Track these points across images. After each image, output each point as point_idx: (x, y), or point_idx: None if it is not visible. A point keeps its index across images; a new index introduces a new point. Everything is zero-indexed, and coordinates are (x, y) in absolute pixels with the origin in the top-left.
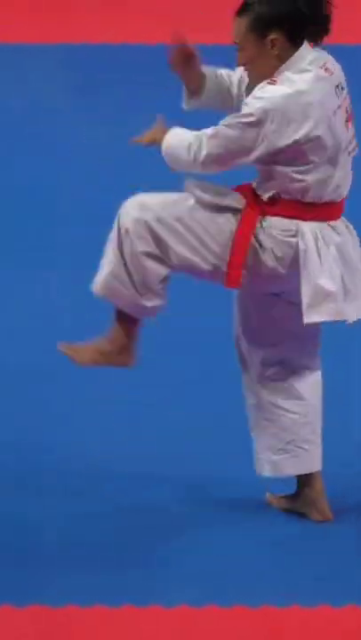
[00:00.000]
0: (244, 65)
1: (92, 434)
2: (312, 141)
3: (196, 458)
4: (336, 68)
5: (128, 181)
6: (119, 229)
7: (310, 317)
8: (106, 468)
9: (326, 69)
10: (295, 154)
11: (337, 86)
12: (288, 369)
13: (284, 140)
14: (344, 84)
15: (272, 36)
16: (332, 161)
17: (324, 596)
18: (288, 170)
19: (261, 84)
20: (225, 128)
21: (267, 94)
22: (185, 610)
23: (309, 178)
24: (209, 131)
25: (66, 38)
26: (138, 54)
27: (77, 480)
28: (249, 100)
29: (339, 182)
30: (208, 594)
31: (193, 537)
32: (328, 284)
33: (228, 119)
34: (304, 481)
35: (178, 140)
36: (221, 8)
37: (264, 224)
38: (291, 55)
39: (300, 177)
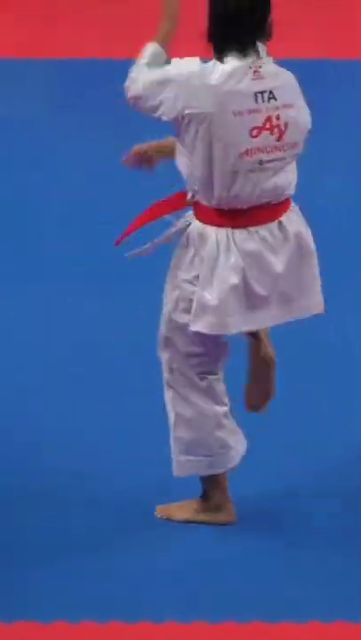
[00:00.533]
0: None
1: (77, 444)
2: (196, 121)
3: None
4: (274, 77)
5: (114, 196)
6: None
7: (193, 326)
8: (94, 483)
9: (256, 72)
10: (180, 129)
11: (261, 92)
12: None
13: (173, 112)
14: (279, 96)
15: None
16: (222, 162)
17: (315, 611)
18: (189, 163)
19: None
20: (141, 79)
21: (178, 64)
22: (174, 626)
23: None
24: (132, 74)
25: (49, 53)
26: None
27: (65, 493)
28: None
29: (238, 192)
30: (197, 610)
31: (183, 552)
32: (210, 297)
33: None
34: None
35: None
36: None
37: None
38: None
39: (198, 173)
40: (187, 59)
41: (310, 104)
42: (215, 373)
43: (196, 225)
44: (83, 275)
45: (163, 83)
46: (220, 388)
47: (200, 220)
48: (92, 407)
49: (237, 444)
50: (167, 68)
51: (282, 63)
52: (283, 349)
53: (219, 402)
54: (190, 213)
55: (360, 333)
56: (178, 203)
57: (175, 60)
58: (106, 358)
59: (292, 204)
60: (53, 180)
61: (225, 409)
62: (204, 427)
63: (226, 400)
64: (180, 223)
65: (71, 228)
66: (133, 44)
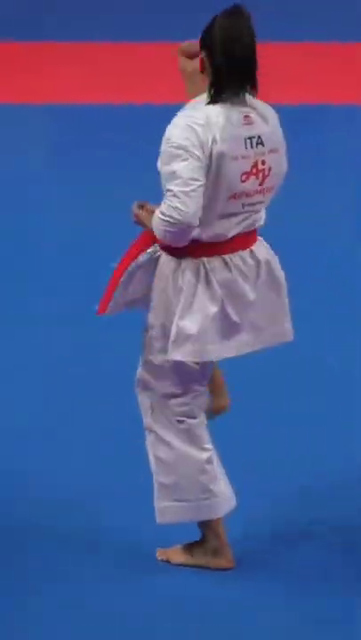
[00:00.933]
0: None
1: (75, 485)
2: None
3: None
4: (262, 123)
5: (105, 249)
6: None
7: (172, 355)
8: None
9: (246, 117)
10: None
11: (250, 138)
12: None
13: (203, 169)
14: (268, 142)
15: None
16: (211, 203)
17: None
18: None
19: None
20: (173, 179)
21: (170, 134)
22: None
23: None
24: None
25: (40, 99)
26: (112, 115)
27: (63, 532)
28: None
29: (218, 231)
30: None
31: (181, 596)
32: (190, 325)
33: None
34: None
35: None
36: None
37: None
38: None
39: None
40: (179, 125)
41: (310, 147)
42: (195, 417)
43: (169, 258)
44: (72, 319)
45: (189, 169)
46: (202, 432)
47: (173, 254)
48: (86, 447)
49: (222, 492)
50: (179, 153)
51: (283, 108)
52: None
53: (200, 446)
54: (155, 247)
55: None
56: (146, 243)
57: (174, 139)
58: (97, 401)
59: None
60: (44, 226)
61: (208, 454)
62: (185, 471)
63: (209, 446)
64: (145, 259)
65: (61, 282)
66: (134, 91)
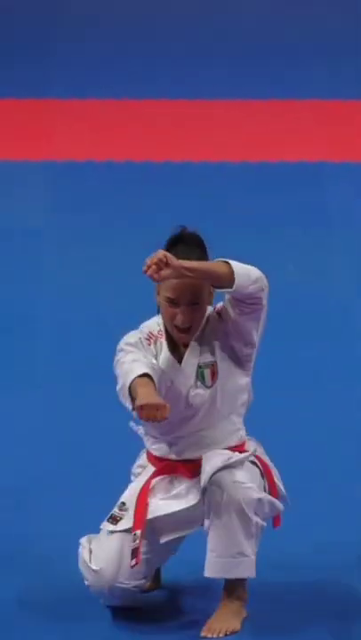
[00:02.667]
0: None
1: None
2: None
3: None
4: None
5: (110, 301)
6: None
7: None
8: None
9: None
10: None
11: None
12: None
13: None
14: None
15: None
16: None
17: None
18: None
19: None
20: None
21: None
22: None
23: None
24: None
25: (48, 155)
26: (122, 171)
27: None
28: None
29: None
30: None
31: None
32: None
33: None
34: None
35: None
36: (196, 125)
37: None
38: None
39: None
40: None
41: (312, 201)
42: None
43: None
44: (78, 381)
45: None
46: None
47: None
48: (91, 516)
49: None
50: None
51: (283, 165)
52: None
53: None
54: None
55: None
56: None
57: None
58: (103, 462)
59: None
60: (48, 286)
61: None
62: None
63: None
64: None
65: (67, 335)
66: (133, 146)
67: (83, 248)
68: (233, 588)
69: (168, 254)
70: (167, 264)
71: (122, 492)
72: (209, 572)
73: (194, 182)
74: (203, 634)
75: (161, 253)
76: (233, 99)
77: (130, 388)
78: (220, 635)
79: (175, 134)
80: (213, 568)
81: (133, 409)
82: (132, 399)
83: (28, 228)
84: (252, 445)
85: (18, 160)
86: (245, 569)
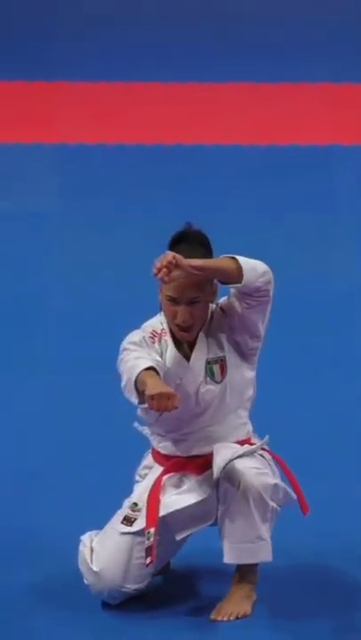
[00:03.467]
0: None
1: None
2: None
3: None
4: None
5: (116, 287)
6: None
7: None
8: None
9: None
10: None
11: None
12: None
13: None
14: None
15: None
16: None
17: None
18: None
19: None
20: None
21: None
22: None
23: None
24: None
25: (58, 139)
26: (133, 154)
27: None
28: None
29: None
30: None
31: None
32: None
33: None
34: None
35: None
36: (205, 108)
37: None
38: None
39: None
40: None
41: (321, 186)
42: None
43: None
44: (85, 366)
45: None
46: None
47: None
48: (94, 504)
49: None
50: None
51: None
52: None
53: None
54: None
55: None
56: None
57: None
58: (107, 451)
59: None
60: (56, 273)
61: None
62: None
63: None
64: None
65: (72, 322)
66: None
67: (92, 232)
68: (245, 571)
69: (177, 255)
70: (177, 265)
71: (125, 481)
72: (228, 558)
73: (204, 165)
74: (213, 617)
75: (170, 255)
76: (242, 82)
77: (136, 381)
78: (231, 618)
79: (185, 117)
80: (233, 554)
81: (140, 402)
82: (139, 393)
83: (37, 212)
84: (257, 441)
85: (28, 143)
86: (264, 553)
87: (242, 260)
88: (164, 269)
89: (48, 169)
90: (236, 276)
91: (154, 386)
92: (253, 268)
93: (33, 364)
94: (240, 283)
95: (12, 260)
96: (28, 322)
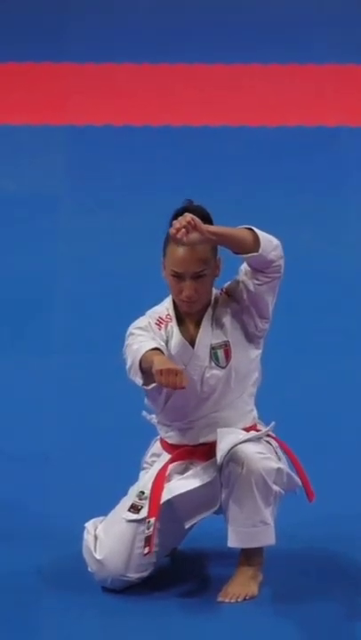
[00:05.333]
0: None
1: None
2: None
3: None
4: None
5: (125, 268)
6: None
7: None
8: None
9: None
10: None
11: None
12: None
13: None
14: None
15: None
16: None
17: None
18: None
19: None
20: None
21: None
22: None
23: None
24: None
25: (66, 120)
26: (140, 135)
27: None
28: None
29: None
30: None
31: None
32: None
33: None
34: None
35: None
36: (214, 89)
37: None
38: None
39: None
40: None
41: (330, 166)
42: None
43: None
44: (95, 348)
45: None
46: None
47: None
48: (104, 484)
49: None
50: None
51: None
52: None
53: None
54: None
55: None
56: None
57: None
58: (116, 433)
59: None
60: (65, 254)
61: None
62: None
63: None
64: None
65: (82, 303)
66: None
67: (100, 213)
68: (250, 553)
69: (196, 218)
70: (195, 227)
71: (134, 462)
72: (232, 542)
73: (211, 147)
74: (220, 598)
75: (189, 217)
76: (251, 63)
77: (141, 362)
78: (239, 599)
79: (193, 99)
80: (236, 538)
81: (145, 384)
82: (143, 374)
83: (46, 193)
84: (263, 428)
85: (37, 124)
86: (267, 537)
87: (257, 230)
88: (183, 230)
89: (56, 150)
90: (251, 244)
91: (161, 362)
92: (268, 239)
93: (42, 346)
94: (256, 251)
95: (21, 242)
96: (38, 303)
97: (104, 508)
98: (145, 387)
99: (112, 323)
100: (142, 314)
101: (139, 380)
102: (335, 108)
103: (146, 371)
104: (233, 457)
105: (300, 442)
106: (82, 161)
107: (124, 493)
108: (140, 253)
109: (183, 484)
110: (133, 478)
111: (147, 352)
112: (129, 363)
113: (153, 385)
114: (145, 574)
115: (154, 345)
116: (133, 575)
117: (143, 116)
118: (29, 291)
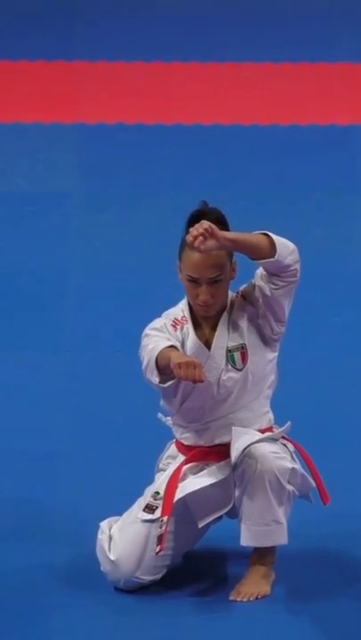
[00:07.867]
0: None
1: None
2: None
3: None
4: None
5: (136, 266)
6: None
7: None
8: None
9: None
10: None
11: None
12: None
13: None
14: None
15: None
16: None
17: None
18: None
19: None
20: None
21: None
22: None
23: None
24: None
25: (76, 118)
26: (152, 134)
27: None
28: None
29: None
30: None
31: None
32: None
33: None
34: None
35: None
36: (226, 88)
37: None
38: None
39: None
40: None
41: (341, 166)
42: None
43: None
44: (106, 345)
45: None
46: None
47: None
48: (114, 480)
49: None
50: None
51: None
52: None
53: None
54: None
55: None
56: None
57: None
58: (127, 430)
59: None
60: (75, 252)
61: None
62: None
63: None
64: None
65: (93, 301)
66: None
67: (111, 211)
68: (263, 552)
69: (212, 225)
70: (212, 234)
71: (145, 459)
72: (245, 541)
73: (223, 145)
74: (232, 597)
75: (206, 224)
76: (262, 62)
77: (157, 360)
78: (251, 599)
79: (204, 97)
80: (249, 536)
81: (161, 382)
82: (160, 371)
83: (57, 192)
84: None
85: (48, 123)
86: (280, 536)
87: (273, 235)
88: (200, 237)
89: (68, 148)
90: (268, 250)
91: (179, 356)
92: (284, 243)
93: (53, 343)
94: (272, 257)
95: (32, 240)
96: (48, 300)
97: (115, 506)
98: (161, 384)
99: (122, 320)
100: (153, 310)
101: (155, 379)
102: (347, 106)
103: (162, 368)
104: (247, 456)
105: (310, 440)
106: (93, 159)
107: (136, 491)
108: (150, 251)
109: (197, 481)
110: (144, 476)
111: (163, 349)
112: (145, 362)
113: (170, 382)
114: (158, 577)
115: (170, 343)
116: (146, 577)
117: (154, 115)
118: (40, 287)
